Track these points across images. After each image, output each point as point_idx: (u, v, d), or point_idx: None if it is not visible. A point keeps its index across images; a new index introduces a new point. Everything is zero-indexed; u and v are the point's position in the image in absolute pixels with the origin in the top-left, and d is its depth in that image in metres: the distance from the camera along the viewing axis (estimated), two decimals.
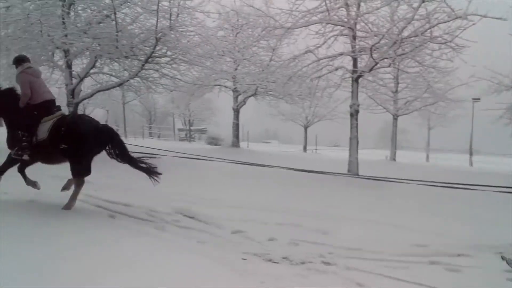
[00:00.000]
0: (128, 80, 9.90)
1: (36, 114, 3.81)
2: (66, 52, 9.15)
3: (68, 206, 3.86)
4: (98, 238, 3.12)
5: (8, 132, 3.89)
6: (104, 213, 4.22)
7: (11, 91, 4.03)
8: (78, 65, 10.22)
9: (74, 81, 9.75)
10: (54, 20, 8.31)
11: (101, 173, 5.30)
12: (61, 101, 18.63)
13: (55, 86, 14.56)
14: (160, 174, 4.11)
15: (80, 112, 13.22)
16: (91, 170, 4.03)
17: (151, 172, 4.06)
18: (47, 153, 3.87)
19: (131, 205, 4.65)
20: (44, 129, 3.75)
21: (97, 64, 9.74)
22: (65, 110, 7.26)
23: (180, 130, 33.63)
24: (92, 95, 10.73)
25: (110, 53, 8.96)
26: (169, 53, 9.44)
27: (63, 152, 3.75)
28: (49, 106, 4.01)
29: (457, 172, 10.88)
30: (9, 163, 3.92)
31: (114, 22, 8.51)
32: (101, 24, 8.76)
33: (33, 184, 4.14)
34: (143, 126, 30.94)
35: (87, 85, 11.45)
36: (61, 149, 3.69)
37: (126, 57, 9.26)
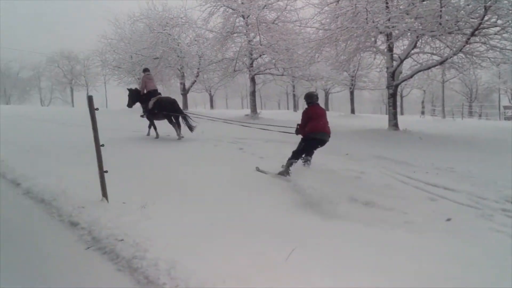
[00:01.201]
0: (450, 57, 12.71)
1: (147, 95, 11.53)
2: (388, 36, 13.42)
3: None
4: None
5: (144, 106, 11.84)
6: (424, 195, 6.58)
7: (135, 89, 12.13)
8: (399, 47, 14.38)
9: (394, 63, 14.03)
10: (378, 5, 12.67)
11: (421, 154, 8.75)
12: (382, 83, 24.33)
13: (375, 70, 20.26)
14: (194, 128, 11.31)
15: (398, 92, 17.66)
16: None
17: (191, 128, 11.21)
18: (154, 114, 11.24)
19: (452, 189, 6.81)
20: (151, 103, 11.19)
21: (418, 44, 13.30)
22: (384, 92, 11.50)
23: (506, 107, 37.12)
24: (412, 75, 14.59)
25: (432, 30, 12.05)
26: (499, 22, 11.17)
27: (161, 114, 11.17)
28: (154, 92, 11.66)
29: None
30: (150, 125, 11.86)
31: None
32: (424, 2, 12.04)
33: (157, 134, 11.66)
34: (463, 104, 35.72)
35: (405, 67, 15.44)
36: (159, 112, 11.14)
37: (450, 33, 12.01)
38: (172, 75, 27.05)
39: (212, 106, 46.80)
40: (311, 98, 7.67)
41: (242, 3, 17.77)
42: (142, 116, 11.93)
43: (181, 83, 26.55)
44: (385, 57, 14.48)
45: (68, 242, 4.07)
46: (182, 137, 11.14)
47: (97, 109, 5.03)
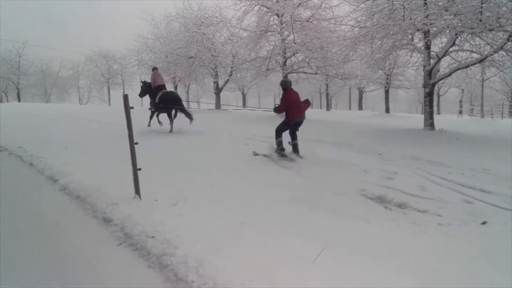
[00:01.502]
0: (491, 55, 12.34)
1: (156, 89, 13.14)
2: (426, 33, 13.12)
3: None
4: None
5: (151, 100, 13.50)
6: (459, 197, 6.40)
7: (148, 82, 13.63)
8: (436, 45, 14.03)
9: (432, 61, 13.71)
10: (416, 2, 12.41)
11: (457, 155, 8.57)
12: (418, 82, 23.82)
13: (411, 68, 19.84)
14: (192, 118, 12.77)
15: (435, 91, 17.29)
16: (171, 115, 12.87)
17: (190, 117, 12.68)
18: (159, 108, 12.97)
19: (488, 191, 6.62)
20: (157, 96, 12.88)
21: (457, 41, 12.95)
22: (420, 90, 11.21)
23: None
24: (450, 74, 14.19)
25: (472, 27, 11.72)
26: None
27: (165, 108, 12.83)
28: (161, 87, 13.28)
29: None
30: (152, 114, 13.76)
31: None
32: None
33: (159, 123, 13.54)
34: (503, 104, 34.34)
35: (443, 65, 15.05)
36: (164, 106, 12.76)
37: (490, 30, 11.64)
38: (205, 74, 27.38)
39: (244, 105, 47.03)
40: (285, 85, 9.14)
41: (277, 1, 17.81)
42: (149, 109, 13.86)
43: (214, 82, 26.84)
44: (422, 55, 14.16)
45: (101, 238, 4.19)
46: (171, 131, 12.77)
47: (132, 107, 5.15)
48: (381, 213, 5.60)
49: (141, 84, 13.96)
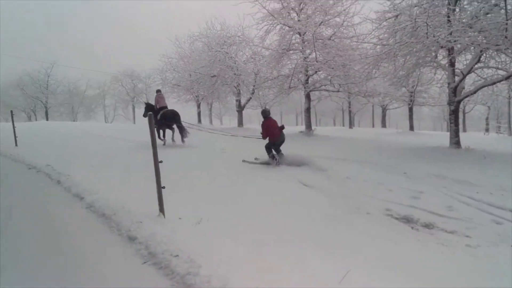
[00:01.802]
0: None
1: (158, 110, 14.01)
2: (450, 50, 12.98)
3: None
4: None
5: (154, 118, 13.55)
6: (488, 218, 6.34)
7: (151, 104, 14.94)
8: (461, 62, 13.84)
9: (456, 79, 13.51)
10: (439, 19, 12.33)
11: (484, 174, 8.44)
12: (443, 99, 23.48)
13: (435, 86, 19.57)
14: (186, 137, 13.94)
15: (460, 108, 16.99)
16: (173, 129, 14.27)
17: (185, 134, 13.89)
18: (161, 124, 13.70)
19: None
20: (159, 115, 13.60)
21: (482, 58, 12.75)
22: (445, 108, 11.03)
23: None
24: (475, 91, 13.92)
25: (497, 44, 11.54)
26: None
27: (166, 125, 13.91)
28: (163, 107, 14.36)
29: None
30: (157, 131, 13.51)
31: (503, 11, 11.11)
32: (488, 15, 11.60)
33: (162, 140, 13.93)
34: None
35: (468, 82, 14.80)
36: (164, 122, 13.77)
37: None
38: (228, 93, 27.66)
39: None
40: (265, 113, 11.08)
41: (299, 20, 17.94)
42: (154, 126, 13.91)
43: (237, 100, 27.09)
44: (447, 72, 13.98)
45: (126, 256, 4.22)
46: (174, 141, 14.27)
47: (156, 126, 5.24)
48: (407, 234, 5.51)
49: (145, 105, 15.51)
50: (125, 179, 8.35)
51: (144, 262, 4.02)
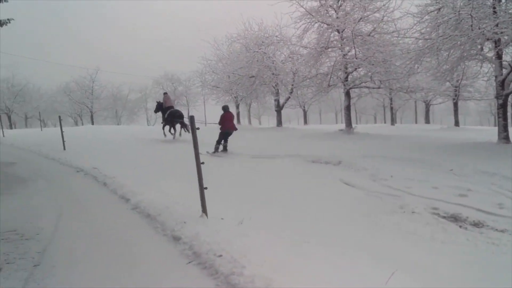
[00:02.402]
0: None
1: (166, 109, 17.32)
2: (497, 42, 12.46)
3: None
4: None
5: (162, 116, 17.58)
6: None
7: (161, 102, 17.95)
8: (509, 54, 13.25)
9: (504, 71, 12.97)
10: (484, 11, 11.88)
11: None
12: (490, 93, 22.44)
13: (481, 79, 18.74)
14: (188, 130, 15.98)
15: (509, 102, 16.19)
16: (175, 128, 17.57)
17: (187, 128, 15.90)
18: (167, 121, 17.25)
19: None
20: (166, 114, 17.07)
21: None
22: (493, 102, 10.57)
23: None
24: None
25: None
26: None
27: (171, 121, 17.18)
28: (170, 107, 17.53)
29: None
30: (163, 127, 17.69)
31: None
32: None
33: (172, 135, 17.53)
34: None
35: None
36: (170, 119, 17.10)
37: None
38: (266, 93, 27.75)
39: (305, 122, 46.94)
40: (225, 108, 13.99)
41: (337, 17, 17.76)
42: (162, 123, 18.17)
43: (275, 100, 27.11)
44: (493, 65, 13.44)
45: (171, 256, 4.32)
46: (180, 135, 17.71)
47: (198, 128, 5.34)
48: (455, 233, 5.36)
49: (157, 104, 18.44)
50: (168, 180, 8.54)
51: (189, 262, 4.08)
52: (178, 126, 17.52)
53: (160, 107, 17.94)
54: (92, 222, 5.81)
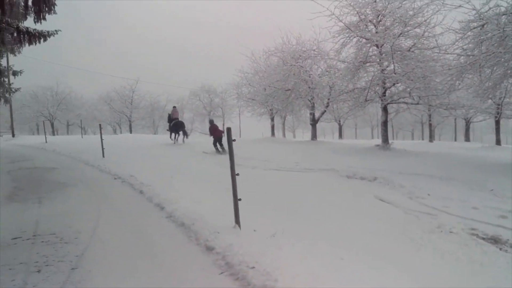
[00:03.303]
0: None
1: (172, 120, 22.04)
2: None
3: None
4: None
5: (169, 124, 23.01)
6: None
7: (169, 114, 23.01)
8: None
9: None
10: None
11: None
12: None
13: None
14: (187, 138, 22.89)
15: None
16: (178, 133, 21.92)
17: (187, 135, 22.91)
18: (173, 130, 21.84)
19: None
20: (171, 124, 21.92)
21: None
22: None
23: None
24: None
25: None
26: None
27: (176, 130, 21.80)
28: (176, 119, 22.25)
29: None
30: (170, 133, 22.33)
31: None
32: None
33: (172, 140, 22.09)
34: None
35: None
36: (175, 128, 21.85)
37: None
38: (302, 106, 27.69)
39: (340, 136, 46.48)
40: (211, 122, 19.27)
41: (377, 32, 17.61)
42: (167, 130, 23.07)
43: (310, 114, 27.02)
44: None
45: (205, 266, 4.37)
46: (183, 142, 22.08)
47: (234, 140, 5.42)
48: (495, 255, 5.19)
49: (168, 116, 23.64)
50: (202, 190, 8.68)
51: (221, 273, 4.13)
52: (181, 134, 22.22)
53: (169, 118, 22.99)
54: (128, 229, 5.96)
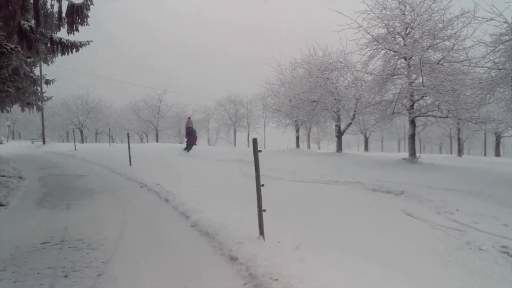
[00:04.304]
0: None
1: (186, 129, 23.92)
2: None
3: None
4: None
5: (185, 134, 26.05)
6: None
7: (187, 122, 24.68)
8: None
9: None
10: None
11: None
12: None
13: None
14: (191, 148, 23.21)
15: None
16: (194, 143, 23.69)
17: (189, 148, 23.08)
18: (187, 137, 23.79)
19: None
20: (186, 132, 24.14)
21: None
22: None
23: None
24: None
25: None
26: None
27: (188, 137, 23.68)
28: (190, 127, 23.61)
29: None
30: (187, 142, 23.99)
31: None
32: None
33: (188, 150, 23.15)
34: None
35: None
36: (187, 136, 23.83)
37: None
38: (328, 118, 27.59)
39: (366, 148, 45.97)
40: (188, 129, 23.45)
41: (405, 45, 17.43)
42: (185, 137, 25.22)
43: (336, 125, 26.88)
44: None
45: (228, 276, 4.36)
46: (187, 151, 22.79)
47: (260, 151, 5.41)
48: None
49: (186, 124, 24.96)
50: (226, 200, 8.70)
51: (245, 284, 4.11)
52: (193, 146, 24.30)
53: (185, 128, 25.23)
54: (154, 237, 6.01)
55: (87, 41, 13.38)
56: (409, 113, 18.88)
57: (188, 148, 22.93)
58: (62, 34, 12.65)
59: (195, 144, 24.29)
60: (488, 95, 14.52)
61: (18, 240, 5.73)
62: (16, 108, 21.97)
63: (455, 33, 16.33)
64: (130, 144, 16.30)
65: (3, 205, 8.24)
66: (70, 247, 5.38)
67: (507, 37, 12.83)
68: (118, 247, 5.40)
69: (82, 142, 51.17)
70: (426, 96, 18.24)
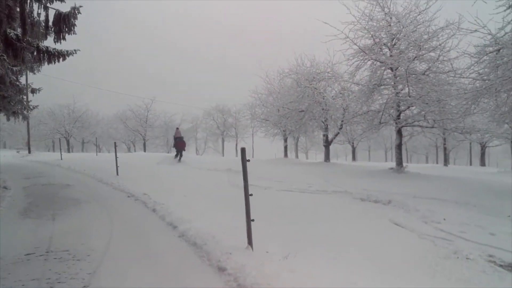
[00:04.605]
0: None
1: (175, 139, 24.53)
2: None
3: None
4: None
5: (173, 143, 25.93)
6: None
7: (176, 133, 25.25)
8: None
9: None
10: None
11: None
12: None
13: None
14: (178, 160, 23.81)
15: None
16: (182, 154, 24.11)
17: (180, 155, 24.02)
18: (175, 146, 24.47)
19: None
20: (175, 142, 24.58)
21: None
22: None
23: None
24: None
25: None
26: None
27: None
28: (178, 137, 24.40)
29: None
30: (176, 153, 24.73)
31: None
32: None
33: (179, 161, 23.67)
34: None
35: None
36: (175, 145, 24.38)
37: None
38: (315, 127, 27.72)
39: (354, 158, 46.24)
40: (179, 138, 24.26)
41: (391, 55, 17.65)
42: (173, 146, 25.33)
43: (324, 135, 27.01)
44: None
45: (217, 286, 4.35)
46: (179, 161, 23.50)
47: (248, 160, 5.42)
48: None
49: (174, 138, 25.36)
50: (214, 209, 8.67)
51: None
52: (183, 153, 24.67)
53: (173, 137, 25.60)
54: (141, 247, 5.95)
55: (74, 50, 13.31)
56: (396, 123, 19.05)
57: (179, 156, 23.93)
58: (49, 42, 12.57)
59: (184, 150, 24.79)
60: (473, 106, 14.73)
61: (2, 251, 5.63)
62: (1, 117, 21.70)
63: (440, 44, 16.59)
64: (117, 153, 16.18)
65: None
66: (55, 258, 5.30)
67: (491, 48, 13.06)
68: (104, 258, 5.34)
69: (69, 151, 50.61)
70: (412, 106, 18.44)
